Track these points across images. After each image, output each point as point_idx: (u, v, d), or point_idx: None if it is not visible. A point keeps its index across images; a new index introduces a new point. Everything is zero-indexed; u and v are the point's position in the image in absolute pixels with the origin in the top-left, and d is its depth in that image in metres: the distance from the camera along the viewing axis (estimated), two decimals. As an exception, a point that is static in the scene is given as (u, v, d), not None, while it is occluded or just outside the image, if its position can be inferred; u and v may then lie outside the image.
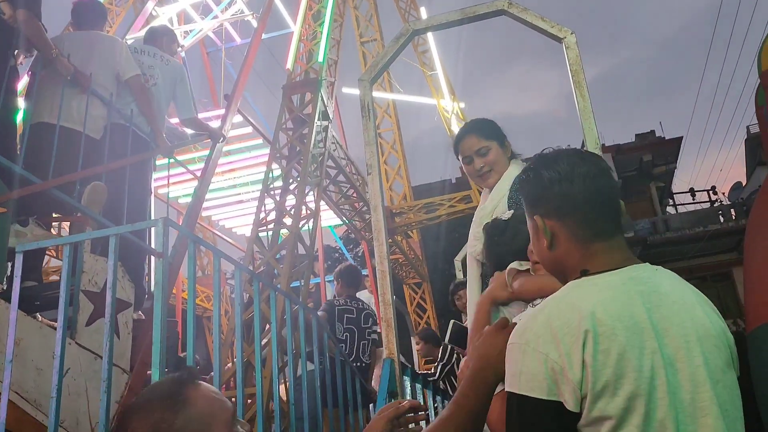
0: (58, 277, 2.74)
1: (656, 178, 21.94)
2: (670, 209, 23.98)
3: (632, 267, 1.33)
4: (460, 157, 2.73)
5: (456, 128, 12.25)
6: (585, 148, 2.77)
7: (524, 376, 1.21)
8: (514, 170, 2.58)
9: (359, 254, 17.48)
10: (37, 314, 3.36)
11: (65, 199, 3.47)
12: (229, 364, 5.91)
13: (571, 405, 1.17)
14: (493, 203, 2.60)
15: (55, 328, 2.61)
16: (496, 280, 2.04)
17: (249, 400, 4.70)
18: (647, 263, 1.37)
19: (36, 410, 2.72)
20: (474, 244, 2.71)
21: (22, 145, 3.53)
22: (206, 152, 5.66)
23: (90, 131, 3.87)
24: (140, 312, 3.96)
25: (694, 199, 24.77)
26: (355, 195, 10.53)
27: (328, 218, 11.39)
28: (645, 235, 17.49)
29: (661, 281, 1.31)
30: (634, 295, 1.25)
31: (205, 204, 6.18)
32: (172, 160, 4.60)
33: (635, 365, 1.17)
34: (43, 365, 2.69)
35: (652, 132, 23.27)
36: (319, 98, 7.11)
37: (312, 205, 7.01)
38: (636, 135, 22.95)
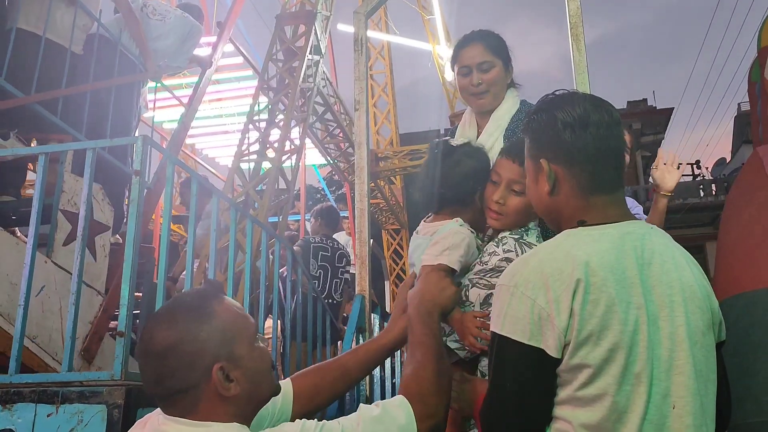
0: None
1: (643, 147, 22.02)
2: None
3: (629, 222, 1.33)
4: (456, 67, 2.35)
5: (449, 75, 12.09)
6: None
7: (509, 318, 1.23)
8: (511, 103, 2.30)
9: (341, 196, 17.46)
10: (16, 230, 3.33)
11: (47, 117, 3.39)
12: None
13: (552, 351, 1.19)
14: (491, 139, 2.29)
15: (32, 244, 2.58)
16: (428, 280, 1.71)
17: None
18: (643, 221, 1.37)
19: (9, 324, 2.71)
20: None
21: (5, 53, 3.42)
22: (194, 79, 5.53)
23: (73, 46, 3.75)
24: (118, 236, 3.94)
25: (677, 172, 24.96)
26: (341, 135, 10.43)
27: (313, 157, 11.30)
28: (625, 203, 17.66)
29: (655, 240, 1.31)
30: (629, 249, 1.26)
31: (190, 132, 6.07)
32: (159, 85, 4.50)
33: (621, 318, 1.18)
34: (18, 280, 2.66)
35: (644, 100, 23.21)
36: (313, 31, 6.95)
37: (297, 141, 6.93)
38: (628, 102, 22.88)
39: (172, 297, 1.32)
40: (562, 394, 1.21)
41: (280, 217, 6.24)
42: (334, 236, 5.84)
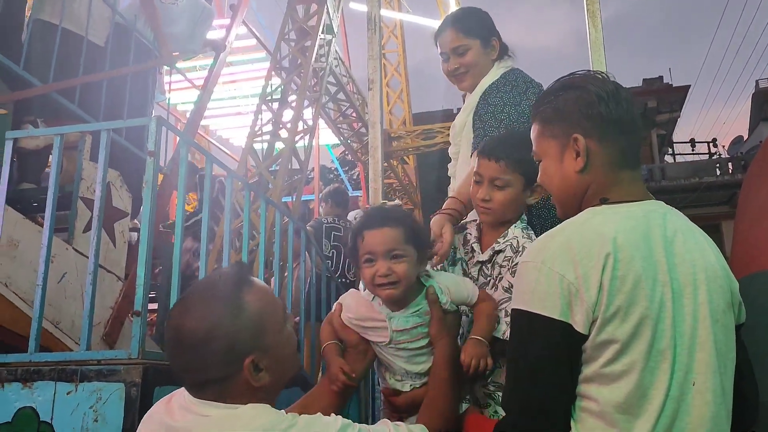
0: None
1: (659, 125, 21.75)
2: (668, 158, 23.90)
3: (650, 201, 1.34)
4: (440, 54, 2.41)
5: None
6: None
7: (537, 294, 1.22)
8: (491, 76, 2.29)
9: (355, 177, 17.44)
10: (37, 217, 3.37)
11: (65, 105, 3.42)
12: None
13: (580, 327, 1.19)
14: (461, 119, 2.34)
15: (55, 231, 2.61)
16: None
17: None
18: (662, 202, 1.38)
19: (31, 309, 2.75)
20: (452, 165, 2.54)
21: (24, 43, 3.45)
22: (207, 61, 5.52)
23: (93, 36, 3.76)
24: (137, 221, 3.97)
25: (693, 150, 24.66)
26: (354, 115, 10.40)
27: (326, 137, 11.29)
28: (640, 182, 17.50)
29: (676, 219, 1.32)
30: (654, 227, 1.27)
31: (204, 113, 6.10)
32: (173, 69, 4.51)
33: (647, 294, 1.19)
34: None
35: (660, 78, 22.87)
36: (325, 10, 6.90)
37: (310, 122, 6.92)
38: (644, 80, 22.56)
39: (202, 280, 1.32)
40: (588, 371, 1.21)
41: (294, 197, 6.26)
42: (349, 214, 5.86)
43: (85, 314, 2.39)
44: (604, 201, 1.33)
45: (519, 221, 1.92)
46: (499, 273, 1.86)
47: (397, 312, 1.75)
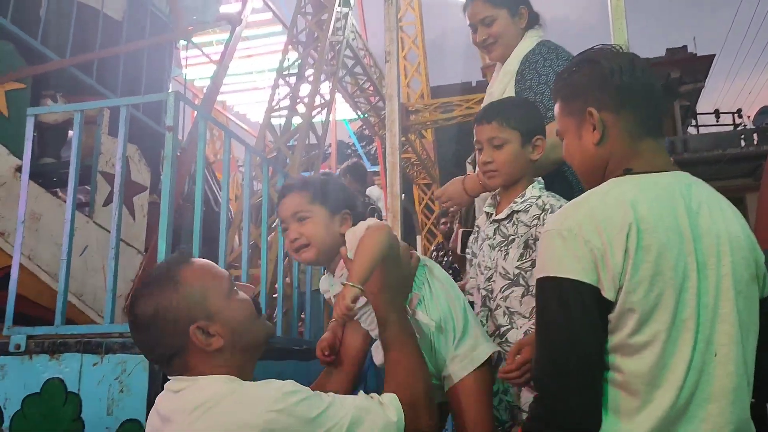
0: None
1: (682, 96, 21.35)
2: (691, 129, 23.50)
3: (675, 172, 1.34)
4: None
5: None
6: None
7: (566, 259, 1.21)
8: (526, 44, 2.30)
9: (372, 152, 17.41)
10: (57, 191, 3.42)
11: (83, 79, 3.44)
12: (237, 246, 6.03)
13: (607, 293, 1.19)
14: (501, 86, 2.35)
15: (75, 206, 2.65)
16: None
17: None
18: (688, 173, 1.37)
19: (55, 282, 2.82)
20: None
21: (42, 17, 3.46)
22: (223, 36, 5.51)
23: (109, 10, 3.77)
24: (156, 195, 4.01)
25: (717, 121, 24.20)
26: (371, 89, 10.34)
27: (343, 112, 11.25)
28: (662, 154, 17.23)
29: (701, 190, 1.33)
30: (678, 197, 1.27)
31: (221, 89, 6.11)
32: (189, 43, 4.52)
33: (672, 264, 1.19)
34: (62, 240, 2.75)
35: (684, 47, 22.40)
36: (342, -17, 6.83)
37: (327, 96, 6.89)
38: (667, 49, 22.11)
39: (151, 269, 1.40)
40: (612, 341, 1.21)
41: (312, 172, 6.26)
42: (367, 190, 5.84)
43: (109, 288, 2.43)
44: (627, 172, 1.33)
45: (536, 182, 1.94)
46: (527, 232, 1.85)
47: (336, 278, 1.73)
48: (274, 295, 4.33)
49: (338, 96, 8.97)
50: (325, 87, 6.89)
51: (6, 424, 2.25)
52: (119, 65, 3.71)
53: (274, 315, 3.34)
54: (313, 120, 6.55)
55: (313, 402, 1.24)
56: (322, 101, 6.73)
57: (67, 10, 3.55)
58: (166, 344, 1.29)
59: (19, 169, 3.01)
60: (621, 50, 1.41)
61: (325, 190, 1.73)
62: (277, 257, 3.40)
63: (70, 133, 3.89)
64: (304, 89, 6.59)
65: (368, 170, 6.57)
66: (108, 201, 3.29)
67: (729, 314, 1.21)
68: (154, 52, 4.06)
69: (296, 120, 6.39)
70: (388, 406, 1.34)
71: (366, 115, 11.05)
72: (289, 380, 1.28)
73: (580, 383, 1.19)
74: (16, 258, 2.55)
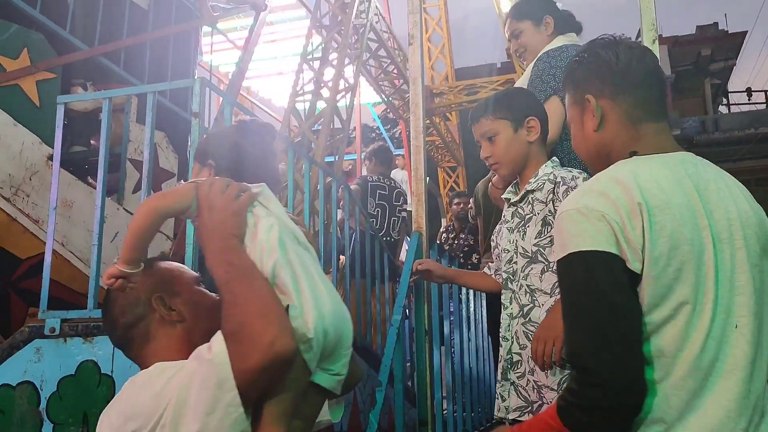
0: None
1: (713, 75, 20.88)
2: (722, 108, 23.00)
3: (681, 153, 1.36)
4: None
5: (505, 7, 11.65)
6: (641, 33, 2.67)
7: (588, 233, 1.21)
8: (548, 48, 2.49)
9: (396, 135, 17.37)
10: (89, 178, 3.48)
11: (111, 67, 3.48)
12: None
13: (632, 264, 1.19)
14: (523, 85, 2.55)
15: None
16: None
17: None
18: (692, 153, 1.39)
19: (87, 267, 2.88)
20: None
21: (70, 6, 3.50)
22: (247, 21, 5.52)
23: None
24: (183, 181, 4.06)
25: (749, 100, 23.65)
26: (395, 72, 10.29)
27: (367, 95, 11.23)
28: (692, 134, 16.89)
29: (708, 169, 1.35)
30: (686, 176, 1.29)
31: (246, 74, 6.13)
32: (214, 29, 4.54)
33: (688, 238, 1.21)
34: (93, 227, 2.81)
35: (715, 24, 21.84)
36: (365, -35, 6.79)
37: (351, 80, 6.88)
38: (697, 27, 21.60)
39: None
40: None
41: (336, 156, 6.28)
42: (392, 173, 5.85)
43: (139, 273, 2.48)
44: (633, 154, 1.35)
45: (549, 162, 2.02)
46: (543, 208, 1.94)
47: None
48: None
49: (362, 79, 8.95)
50: (349, 71, 6.88)
51: (42, 404, 2.32)
52: (146, 53, 3.75)
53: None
54: (338, 104, 6.55)
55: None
56: (346, 85, 6.73)
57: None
58: (130, 313, 1.39)
59: (50, 158, 3.08)
60: (618, 38, 1.45)
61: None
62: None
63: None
64: (328, 73, 6.59)
65: (393, 153, 6.57)
66: (137, 188, 3.35)
67: (746, 286, 1.23)
68: (180, 39, 4.09)
69: (320, 104, 6.40)
70: (211, 348, 1.24)
71: (390, 99, 11.01)
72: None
73: (627, 352, 1.16)
74: (49, 244, 2.61)
